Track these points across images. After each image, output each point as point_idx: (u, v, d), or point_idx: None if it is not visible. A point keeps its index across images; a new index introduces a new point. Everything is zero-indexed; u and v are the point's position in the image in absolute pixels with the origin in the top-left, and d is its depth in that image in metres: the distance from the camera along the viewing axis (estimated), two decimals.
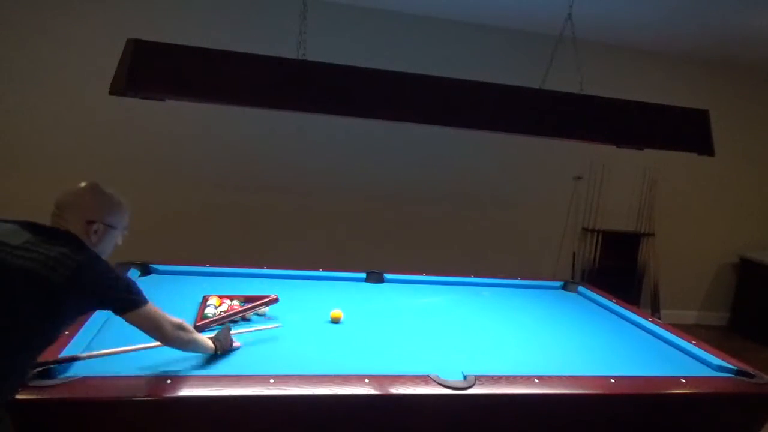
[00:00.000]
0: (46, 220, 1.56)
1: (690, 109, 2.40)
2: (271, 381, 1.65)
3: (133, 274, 2.63)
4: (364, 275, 3.02)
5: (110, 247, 1.63)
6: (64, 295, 1.39)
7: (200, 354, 1.82)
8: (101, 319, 2.02)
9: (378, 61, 2.65)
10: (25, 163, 4.12)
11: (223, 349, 1.86)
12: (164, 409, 1.56)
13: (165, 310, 1.66)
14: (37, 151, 4.12)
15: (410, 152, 4.68)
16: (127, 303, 1.53)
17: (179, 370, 1.71)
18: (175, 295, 2.46)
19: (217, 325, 2.14)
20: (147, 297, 1.58)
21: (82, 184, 1.61)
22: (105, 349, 1.74)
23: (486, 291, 3.06)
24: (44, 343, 1.47)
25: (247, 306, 2.30)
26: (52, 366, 1.59)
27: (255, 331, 2.13)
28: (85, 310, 1.52)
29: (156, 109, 4.02)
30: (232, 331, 1.95)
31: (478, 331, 2.43)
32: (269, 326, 2.18)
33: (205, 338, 1.82)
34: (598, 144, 2.56)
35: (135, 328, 1.59)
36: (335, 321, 2.34)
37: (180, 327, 1.68)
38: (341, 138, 4.55)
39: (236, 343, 1.94)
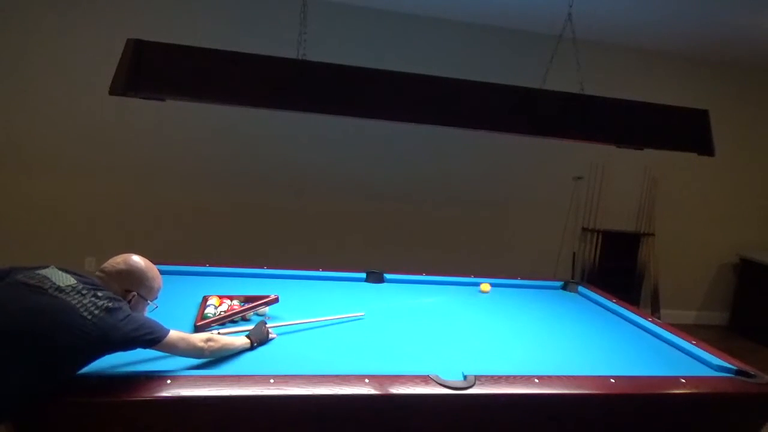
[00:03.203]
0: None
1: (690, 109, 2.40)
2: (271, 381, 1.65)
3: None
4: (364, 275, 3.02)
5: (142, 311, 1.82)
6: (96, 334, 1.51)
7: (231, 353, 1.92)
8: None
9: (378, 61, 2.65)
10: (25, 163, 4.12)
11: (259, 342, 1.99)
12: (164, 409, 1.56)
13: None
14: (38, 151, 4.12)
15: (410, 152, 4.69)
16: (153, 337, 1.65)
17: (179, 370, 1.71)
18: (175, 295, 2.46)
19: (217, 324, 2.14)
20: (166, 327, 1.70)
21: (129, 259, 1.81)
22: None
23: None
24: (64, 374, 1.52)
25: (247, 306, 2.30)
26: None
27: (338, 319, 2.31)
28: (115, 349, 1.62)
29: (156, 109, 4.02)
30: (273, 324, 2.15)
31: (478, 331, 2.43)
32: (353, 315, 2.37)
33: (236, 338, 1.94)
34: (598, 144, 2.56)
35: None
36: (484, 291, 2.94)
37: (209, 339, 1.81)
38: (341, 138, 4.55)
39: (272, 335, 2.07)
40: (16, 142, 4.09)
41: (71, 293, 1.54)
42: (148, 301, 1.84)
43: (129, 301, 1.73)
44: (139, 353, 1.72)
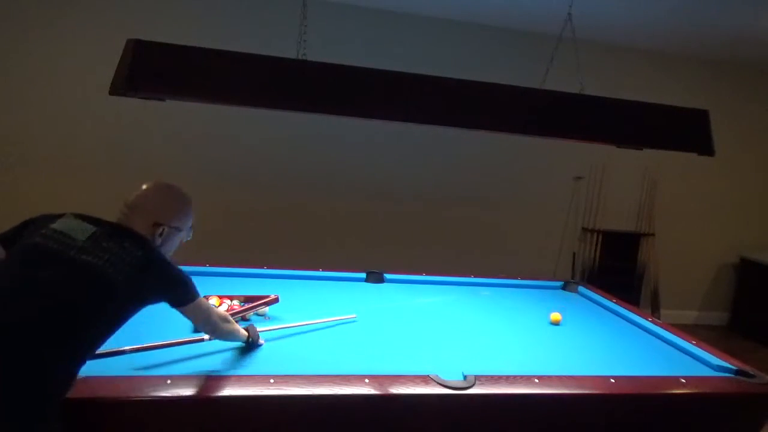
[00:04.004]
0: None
1: (690, 109, 2.40)
2: (271, 381, 1.65)
3: None
4: (364, 275, 3.02)
5: (174, 247, 1.69)
6: (125, 293, 1.43)
7: (232, 343, 1.91)
8: None
9: (378, 61, 2.65)
10: (25, 164, 4.12)
11: (253, 340, 1.94)
12: (164, 409, 1.56)
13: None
14: (38, 151, 4.12)
15: (410, 152, 4.69)
16: (185, 297, 1.58)
17: (179, 370, 1.71)
18: None
19: None
20: (195, 287, 1.62)
21: (152, 185, 1.64)
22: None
23: (486, 291, 3.06)
24: (101, 341, 1.46)
25: (247, 306, 2.30)
26: None
27: (329, 321, 2.28)
28: (145, 305, 1.53)
29: (156, 109, 4.02)
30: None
31: (478, 331, 2.43)
32: (345, 317, 2.33)
33: (241, 329, 1.90)
34: (598, 144, 2.56)
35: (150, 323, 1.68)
36: (555, 323, 2.54)
37: (225, 319, 1.77)
38: (341, 138, 4.55)
39: (261, 341, 2.00)
40: (16, 142, 4.09)
41: (94, 250, 1.42)
42: (182, 233, 1.68)
43: (160, 235, 1.59)
44: (140, 354, 1.72)
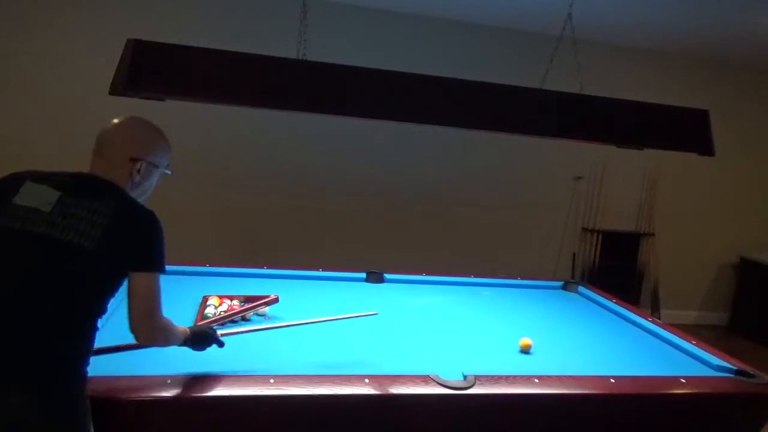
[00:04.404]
0: None
1: (690, 109, 2.40)
2: (271, 381, 1.65)
3: None
4: (364, 275, 3.02)
5: (153, 185, 1.58)
6: (104, 259, 1.34)
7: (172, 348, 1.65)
8: None
9: (378, 61, 2.65)
10: (25, 164, 4.11)
11: (194, 343, 1.68)
12: (164, 409, 1.56)
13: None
14: (38, 151, 4.12)
15: (410, 152, 4.68)
16: (148, 262, 1.42)
17: (179, 370, 1.71)
18: (175, 295, 2.45)
19: (217, 325, 2.14)
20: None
21: (124, 118, 1.52)
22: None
23: (486, 291, 3.06)
24: (96, 315, 1.40)
25: (247, 306, 2.30)
26: None
27: (349, 317, 2.16)
28: (128, 264, 1.40)
29: (156, 109, 4.02)
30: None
31: (478, 331, 2.43)
32: (366, 313, 2.18)
33: (179, 330, 1.64)
34: (598, 144, 2.56)
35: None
36: (525, 350, 2.19)
37: (167, 319, 1.53)
38: (341, 138, 4.55)
39: (219, 344, 1.75)
40: (17, 142, 4.09)
41: (63, 221, 1.32)
42: (159, 169, 1.57)
43: (138, 171, 1.48)
44: (140, 354, 1.72)
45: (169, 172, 1.61)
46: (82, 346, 1.38)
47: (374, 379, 1.73)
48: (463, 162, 4.79)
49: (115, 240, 1.36)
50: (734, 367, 2.10)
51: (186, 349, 1.74)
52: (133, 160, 1.48)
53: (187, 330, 1.67)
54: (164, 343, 1.55)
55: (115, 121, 1.52)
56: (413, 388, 1.72)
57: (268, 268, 2.97)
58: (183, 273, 2.83)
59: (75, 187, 1.40)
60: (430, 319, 2.54)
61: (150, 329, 1.45)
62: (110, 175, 1.46)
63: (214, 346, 1.75)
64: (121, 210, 1.39)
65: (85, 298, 1.37)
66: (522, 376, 1.85)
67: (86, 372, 1.41)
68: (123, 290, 1.45)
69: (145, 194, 1.56)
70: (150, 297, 1.42)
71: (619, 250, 5.09)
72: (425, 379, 1.77)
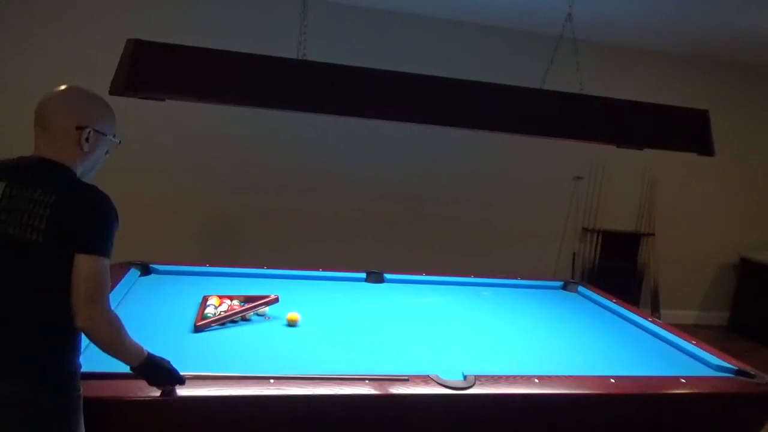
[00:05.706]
0: None
1: (690, 109, 2.40)
2: (271, 381, 1.65)
3: (133, 274, 2.63)
4: (364, 275, 3.02)
5: (102, 157, 1.50)
6: (49, 250, 1.29)
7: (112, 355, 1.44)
8: None
9: (378, 61, 2.65)
10: None
11: (151, 369, 1.49)
12: (164, 409, 1.56)
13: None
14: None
15: (410, 152, 4.68)
16: (89, 242, 1.32)
17: (179, 370, 1.70)
18: (175, 295, 2.46)
19: (217, 325, 2.14)
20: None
21: (64, 87, 1.43)
22: None
23: (486, 291, 3.06)
24: (65, 307, 1.32)
25: (247, 306, 2.30)
26: None
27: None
28: (71, 248, 1.31)
29: (156, 109, 4.02)
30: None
31: (478, 331, 2.43)
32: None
33: (135, 349, 1.45)
34: (598, 144, 2.56)
35: None
36: (292, 324, 2.23)
37: (116, 316, 1.39)
38: (341, 138, 4.54)
39: (172, 388, 1.57)
40: (16, 142, 4.09)
41: (9, 215, 1.29)
42: (107, 137, 1.47)
43: (87, 140, 1.40)
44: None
45: (117, 141, 1.52)
46: (58, 341, 1.34)
47: (374, 379, 1.73)
48: (463, 162, 4.79)
49: (61, 228, 1.30)
50: (734, 367, 2.10)
51: (185, 350, 1.75)
52: (80, 129, 1.39)
53: (146, 352, 1.47)
54: (108, 340, 1.37)
55: (55, 90, 1.42)
56: (413, 388, 1.72)
57: (268, 268, 2.97)
58: (183, 273, 2.83)
59: (17, 176, 1.34)
60: (430, 319, 2.54)
61: (92, 314, 1.32)
62: (55, 150, 1.38)
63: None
64: (63, 196, 1.32)
65: (45, 293, 1.32)
66: (522, 376, 1.85)
67: (73, 366, 1.37)
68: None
69: (95, 167, 1.49)
70: (91, 278, 1.31)
71: (619, 250, 5.09)
72: (425, 379, 1.77)
